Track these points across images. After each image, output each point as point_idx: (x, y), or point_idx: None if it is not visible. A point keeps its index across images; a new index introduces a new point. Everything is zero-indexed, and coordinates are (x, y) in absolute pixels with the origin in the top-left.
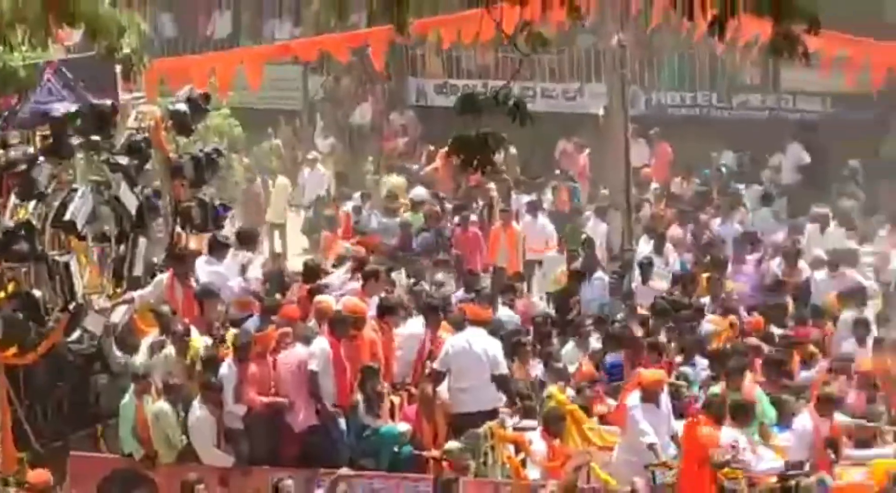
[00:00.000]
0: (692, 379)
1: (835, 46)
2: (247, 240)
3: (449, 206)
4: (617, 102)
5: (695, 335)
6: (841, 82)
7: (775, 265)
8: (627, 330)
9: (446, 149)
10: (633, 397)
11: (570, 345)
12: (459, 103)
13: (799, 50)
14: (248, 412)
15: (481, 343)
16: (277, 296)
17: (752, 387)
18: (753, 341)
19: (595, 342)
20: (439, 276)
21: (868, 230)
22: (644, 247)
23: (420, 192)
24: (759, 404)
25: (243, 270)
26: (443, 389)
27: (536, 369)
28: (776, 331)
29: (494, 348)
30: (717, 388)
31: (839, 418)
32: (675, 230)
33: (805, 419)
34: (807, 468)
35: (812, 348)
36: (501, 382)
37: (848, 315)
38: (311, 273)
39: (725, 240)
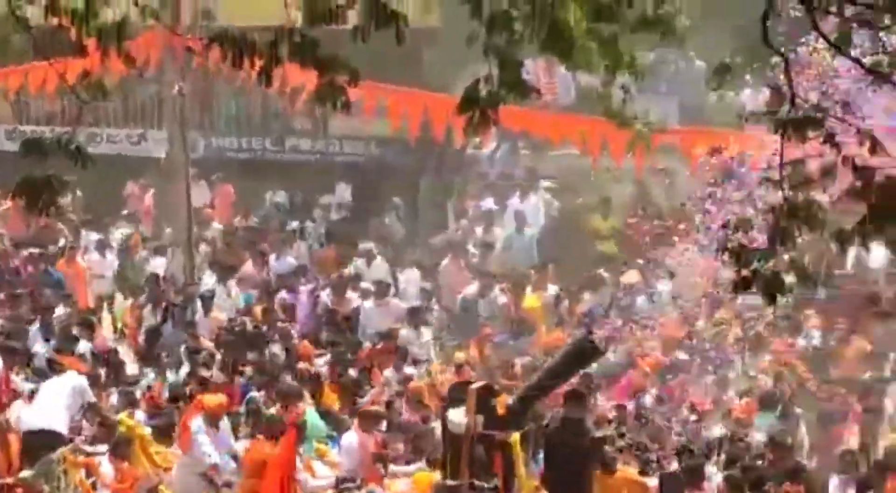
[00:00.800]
0: (259, 402)
1: (376, 95)
2: None
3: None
4: (178, 146)
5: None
6: (384, 128)
7: (325, 295)
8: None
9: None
10: (196, 421)
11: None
12: (23, 147)
13: (341, 99)
14: None
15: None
16: None
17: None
18: (303, 365)
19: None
20: None
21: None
22: (208, 280)
23: None
24: (309, 423)
25: None
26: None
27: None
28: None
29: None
30: (273, 410)
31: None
32: (248, 267)
33: (351, 436)
34: (358, 481)
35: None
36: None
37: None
38: None
39: (280, 273)
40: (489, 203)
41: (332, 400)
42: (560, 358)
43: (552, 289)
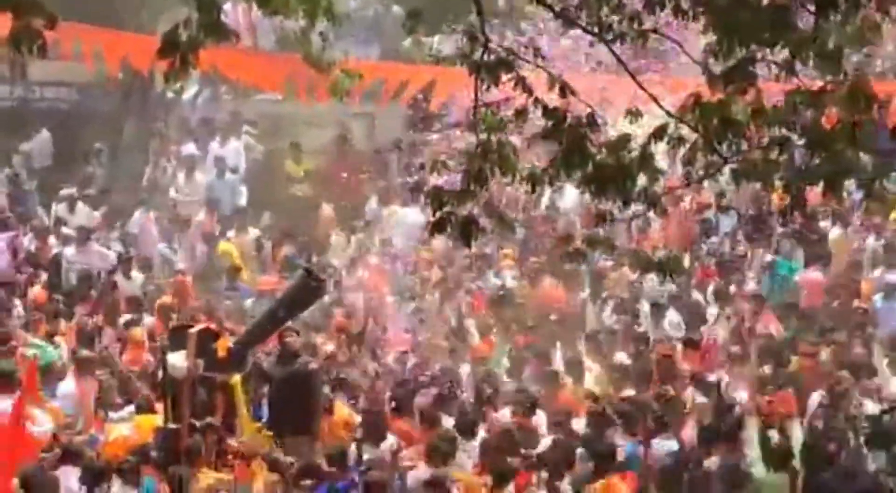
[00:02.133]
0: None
1: (73, 38)
2: None
3: None
4: None
5: None
6: (84, 73)
7: (27, 241)
8: None
9: None
10: None
11: None
12: None
13: (38, 43)
14: None
15: None
16: None
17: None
18: None
19: None
20: None
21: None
22: None
23: None
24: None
25: None
26: None
27: None
28: None
29: None
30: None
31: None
32: None
33: (69, 383)
34: (78, 427)
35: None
36: None
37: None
38: None
39: None
40: (190, 148)
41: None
42: (283, 299)
43: (253, 233)
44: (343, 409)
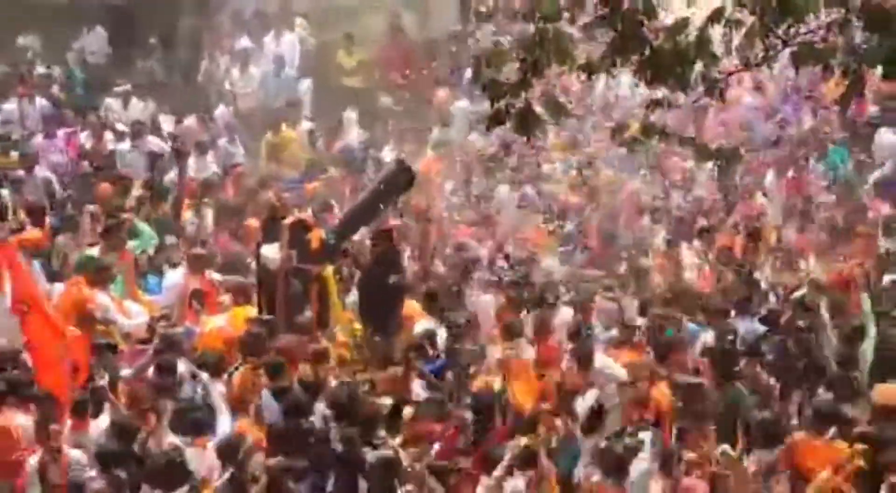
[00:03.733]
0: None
1: None
2: None
3: None
4: None
5: None
6: None
7: (84, 137)
8: None
9: None
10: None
11: None
12: None
13: None
14: None
15: None
16: None
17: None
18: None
19: None
20: None
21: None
22: None
23: None
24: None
25: None
26: None
27: None
28: None
29: None
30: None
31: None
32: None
33: (178, 274)
34: (173, 318)
35: None
36: None
37: None
38: None
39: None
40: (245, 42)
41: None
42: (376, 189)
43: (306, 125)
44: (413, 304)
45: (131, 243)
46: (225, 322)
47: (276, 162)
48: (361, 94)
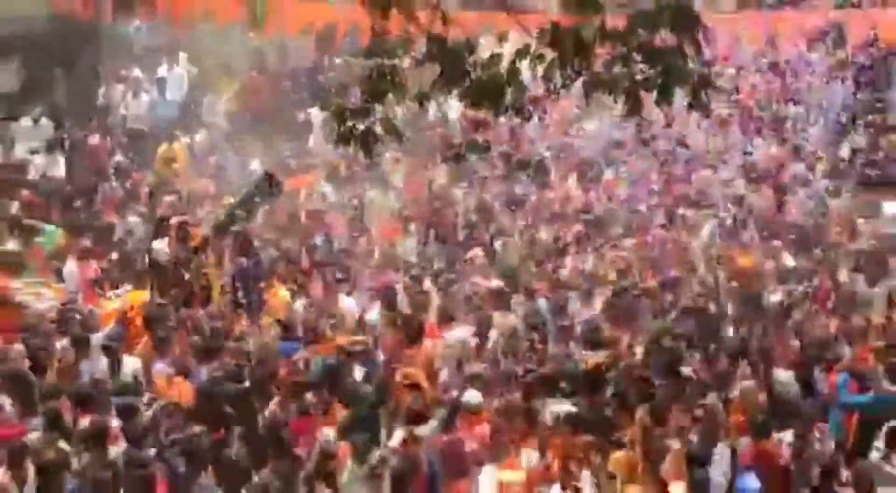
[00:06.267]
0: None
1: None
2: None
3: None
4: None
5: None
6: (36, 6)
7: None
8: None
9: None
10: None
11: None
12: None
13: None
14: None
15: None
16: None
17: None
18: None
19: None
20: None
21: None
22: None
23: None
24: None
25: None
26: None
27: None
28: None
29: None
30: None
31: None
32: None
33: (71, 264)
34: (78, 303)
35: None
36: None
37: None
38: None
39: None
40: (137, 72)
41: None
42: (244, 198)
43: (184, 140)
44: (281, 289)
45: (40, 240)
46: (122, 304)
47: (168, 171)
48: (234, 115)
